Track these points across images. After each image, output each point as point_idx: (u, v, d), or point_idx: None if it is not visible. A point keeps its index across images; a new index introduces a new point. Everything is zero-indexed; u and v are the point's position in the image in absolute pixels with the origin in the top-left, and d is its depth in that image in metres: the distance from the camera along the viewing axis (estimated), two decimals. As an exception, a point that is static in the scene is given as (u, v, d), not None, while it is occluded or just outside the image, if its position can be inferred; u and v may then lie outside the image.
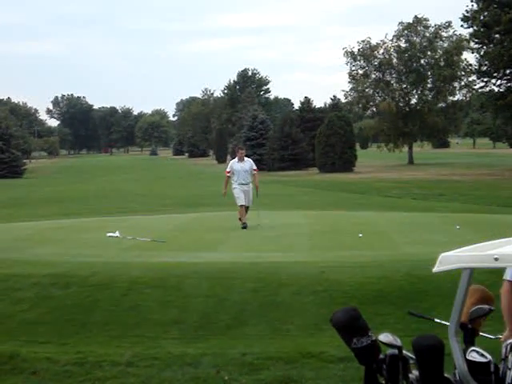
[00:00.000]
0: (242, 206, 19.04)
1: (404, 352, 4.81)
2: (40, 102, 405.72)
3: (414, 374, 4.82)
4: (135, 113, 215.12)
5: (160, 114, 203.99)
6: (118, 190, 52.20)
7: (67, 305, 10.33)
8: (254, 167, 19.65)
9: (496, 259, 4.18)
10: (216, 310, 10.04)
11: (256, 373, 7.64)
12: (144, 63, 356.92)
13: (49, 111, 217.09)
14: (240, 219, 18.87)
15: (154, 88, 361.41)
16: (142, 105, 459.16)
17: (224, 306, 10.14)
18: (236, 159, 19.67)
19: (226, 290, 10.61)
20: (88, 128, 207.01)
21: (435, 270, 4.45)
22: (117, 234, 17.11)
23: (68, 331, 9.54)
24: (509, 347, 4.90)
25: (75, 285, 10.94)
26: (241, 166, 19.38)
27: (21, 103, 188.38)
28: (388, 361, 4.81)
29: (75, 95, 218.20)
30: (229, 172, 19.43)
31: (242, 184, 19.24)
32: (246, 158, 19.68)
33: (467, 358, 4.76)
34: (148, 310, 10.11)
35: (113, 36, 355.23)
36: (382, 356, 4.88)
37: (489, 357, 4.81)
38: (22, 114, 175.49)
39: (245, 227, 18.50)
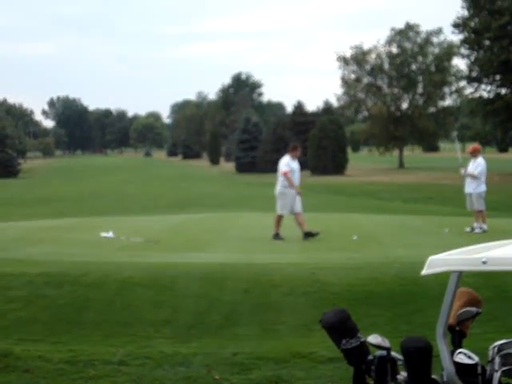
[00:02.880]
0: (283, 215, 16.99)
1: (392, 353, 4.87)
2: (36, 103, 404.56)
3: (403, 375, 4.86)
4: (130, 115, 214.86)
5: (154, 116, 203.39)
6: (112, 190, 52.15)
7: (60, 304, 10.39)
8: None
9: (484, 262, 4.23)
10: (208, 310, 10.12)
11: (247, 372, 7.70)
12: (139, 66, 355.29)
13: (44, 112, 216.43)
14: (277, 229, 16.83)
15: (148, 90, 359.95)
16: (136, 107, 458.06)
17: (216, 306, 10.21)
18: (289, 157, 17.22)
19: (217, 290, 10.69)
20: (83, 129, 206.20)
21: (423, 272, 4.51)
22: (110, 234, 17.18)
23: (61, 330, 9.59)
24: (496, 349, 4.95)
25: (68, 284, 10.99)
26: (296, 166, 17.24)
27: (16, 104, 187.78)
28: (376, 362, 4.87)
29: (70, 97, 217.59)
30: (289, 171, 16.91)
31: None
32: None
33: (455, 359, 4.80)
34: (140, 309, 10.17)
35: (108, 38, 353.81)
36: (370, 357, 4.94)
37: (476, 359, 4.85)
38: (18, 115, 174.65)
39: (279, 238, 16.64)
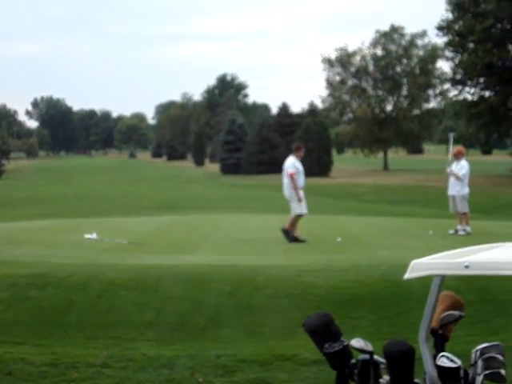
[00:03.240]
0: (302, 215, 16.76)
1: (375, 357, 4.88)
2: (19, 104, 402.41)
3: (385, 378, 4.86)
4: (114, 115, 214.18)
5: (139, 117, 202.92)
6: (96, 191, 51.99)
7: (43, 306, 10.32)
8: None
9: (466, 267, 4.24)
10: (192, 312, 10.09)
11: (230, 375, 7.70)
12: (124, 66, 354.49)
13: (28, 112, 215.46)
14: (293, 231, 16.47)
15: (133, 91, 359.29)
16: (121, 107, 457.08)
17: (200, 308, 10.19)
18: (294, 158, 16.93)
19: (202, 292, 10.67)
20: (67, 130, 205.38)
21: (406, 276, 4.51)
22: (94, 235, 17.11)
23: (43, 332, 9.53)
24: (478, 353, 4.97)
25: (51, 286, 10.93)
26: (301, 167, 16.91)
27: (0, 104, 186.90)
28: (359, 366, 4.87)
29: (54, 97, 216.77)
30: (295, 173, 16.59)
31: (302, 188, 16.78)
32: None
33: (437, 363, 4.81)
34: (124, 311, 10.12)
35: (93, 39, 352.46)
36: (353, 361, 4.95)
37: (458, 362, 4.87)
38: (1, 115, 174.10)
39: (295, 240, 16.25)
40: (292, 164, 16.71)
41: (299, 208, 16.53)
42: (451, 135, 21.77)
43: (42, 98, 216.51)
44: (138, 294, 10.63)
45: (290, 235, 16.24)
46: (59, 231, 19.45)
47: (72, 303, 10.39)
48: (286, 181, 16.80)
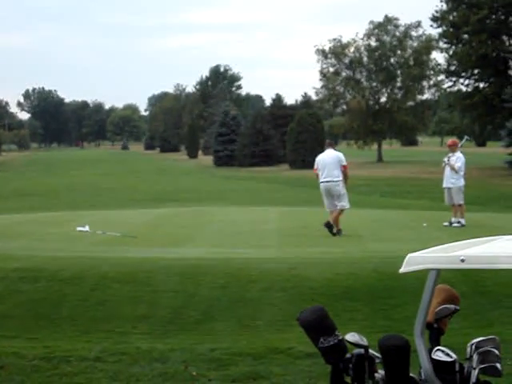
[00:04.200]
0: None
1: (370, 351, 4.85)
2: (11, 95, 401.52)
3: (380, 373, 4.82)
4: (107, 107, 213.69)
5: (132, 109, 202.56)
6: (88, 183, 51.86)
7: (35, 299, 10.28)
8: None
9: (462, 260, 4.22)
10: (185, 305, 10.06)
11: (224, 368, 7.66)
12: (116, 57, 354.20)
13: (19, 104, 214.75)
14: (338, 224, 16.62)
15: (125, 82, 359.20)
16: (113, 99, 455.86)
17: (193, 301, 10.15)
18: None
19: (195, 285, 10.63)
20: (59, 121, 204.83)
21: (402, 270, 4.48)
22: (87, 228, 17.05)
23: (36, 326, 9.49)
24: (474, 347, 4.94)
25: (44, 279, 10.88)
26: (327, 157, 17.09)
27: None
28: (354, 360, 4.83)
29: (46, 88, 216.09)
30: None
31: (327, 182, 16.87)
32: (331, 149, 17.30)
33: (432, 357, 4.79)
34: (117, 305, 10.08)
35: (85, 29, 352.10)
36: (348, 355, 4.91)
37: (454, 356, 4.83)
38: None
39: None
40: (343, 157, 16.97)
41: (348, 202, 16.96)
42: (465, 138, 22.63)
43: (34, 90, 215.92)
44: (131, 287, 10.59)
45: (336, 229, 16.34)
46: (51, 224, 19.38)
47: (65, 297, 10.34)
48: (336, 173, 16.83)
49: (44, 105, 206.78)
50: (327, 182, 16.78)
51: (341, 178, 16.81)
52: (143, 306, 10.02)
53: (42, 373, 7.63)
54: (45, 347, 8.43)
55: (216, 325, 9.45)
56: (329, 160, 16.96)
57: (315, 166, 17.12)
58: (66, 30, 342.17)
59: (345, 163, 16.98)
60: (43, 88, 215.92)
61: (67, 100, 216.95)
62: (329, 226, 16.31)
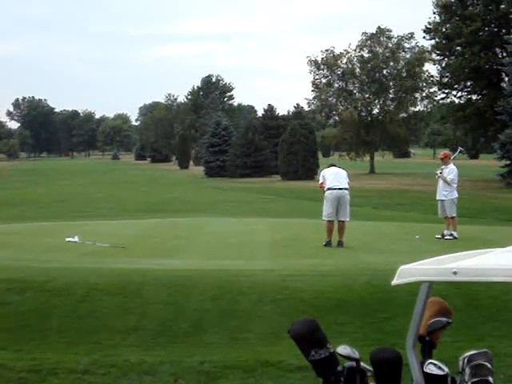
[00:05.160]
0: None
1: (362, 364, 4.80)
2: (0, 104, 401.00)
3: (372, 386, 4.81)
4: (97, 116, 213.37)
5: (122, 119, 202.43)
6: (78, 194, 51.78)
7: (23, 311, 10.16)
8: None
9: (455, 273, 4.19)
10: (175, 317, 9.96)
11: (214, 381, 7.60)
12: (107, 67, 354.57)
13: (9, 113, 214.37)
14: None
15: (116, 92, 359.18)
16: (104, 109, 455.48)
17: (183, 313, 10.06)
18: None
19: (185, 297, 10.54)
20: (49, 131, 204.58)
21: (394, 282, 4.44)
22: (76, 238, 16.92)
23: (24, 337, 9.37)
24: (466, 360, 4.91)
25: (32, 290, 10.76)
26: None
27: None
28: (346, 373, 4.80)
29: (36, 98, 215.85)
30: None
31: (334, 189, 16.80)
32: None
33: (424, 370, 4.76)
34: (106, 316, 9.97)
35: (76, 39, 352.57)
36: (339, 368, 4.86)
37: (446, 369, 4.81)
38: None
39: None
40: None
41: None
42: (459, 149, 22.59)
43: (24, 99, 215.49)
44: (121, 298, 10.48)
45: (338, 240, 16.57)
46: (40, 234, 19.25)
47: (53, 308, 10.23)
48: (346, 181, 17.00)
49: (34, 114, 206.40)
50: (339, 188, 16.69)
51: (349, 188, 16.95)
52: (132, 318, 9.91)
53: (30, 385, 7.54)
54: (32, 359, 8.34)
55: (206, 337, 9.35)
56: (338, 171, 17.14)
57: (320, 180, 17.11)
58: (56, 39, 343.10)
59: (348, 180, 17.15)
60: (33, 97, 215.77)
61: (57, 109, 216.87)
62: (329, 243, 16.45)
